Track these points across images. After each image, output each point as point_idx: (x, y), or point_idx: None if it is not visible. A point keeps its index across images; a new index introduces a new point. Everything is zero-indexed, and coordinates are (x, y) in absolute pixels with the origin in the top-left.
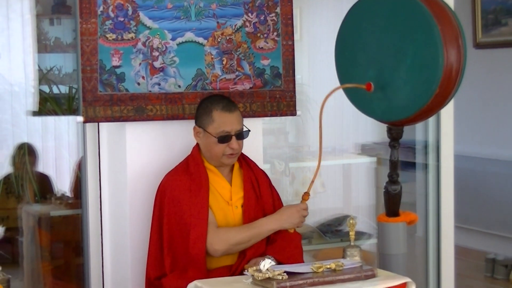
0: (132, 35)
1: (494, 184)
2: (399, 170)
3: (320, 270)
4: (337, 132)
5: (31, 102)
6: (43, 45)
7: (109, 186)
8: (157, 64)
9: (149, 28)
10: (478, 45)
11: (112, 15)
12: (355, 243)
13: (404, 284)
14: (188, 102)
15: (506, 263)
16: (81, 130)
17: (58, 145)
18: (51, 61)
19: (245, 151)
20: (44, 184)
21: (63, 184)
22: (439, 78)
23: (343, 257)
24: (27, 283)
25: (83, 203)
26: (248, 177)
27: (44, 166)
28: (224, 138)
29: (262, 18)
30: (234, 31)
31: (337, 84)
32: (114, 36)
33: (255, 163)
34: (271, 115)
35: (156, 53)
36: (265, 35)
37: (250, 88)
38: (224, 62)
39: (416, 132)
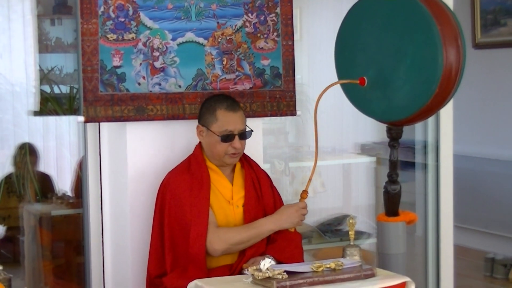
0: (133, 35)
1: (493, 183)
2: (398, 170)
3: (320, 269)
4: (337, 132)
5: (32, 102)
6: (44, 45)
7: (110, 185)
8: (157, 64)
9: (149, 28)
10: (477, 45)
11: (112, 15)
12: (354, 243)
13: (404, 283)
14: (188, 102)
15: (505, 262)
16: (82, 130)
17: (59, 144)
18: (52, 61)
19: (245, 150)
20: (45, 184)
21: (64, 184)
22: (438, 78)
23: (343, 256)
24: (28, 282)
25: (84, 202)
26: (249, 177)
27: (45, 165)
28: (227, 137)
29: (262, 18)
30: (234, 31)
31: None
32: (114, 37)
33: (257, 164)
34: (271, 115)
35: (156, 53)
36: (265, 35)
37: (250, 88)
38: (224, 62)
39: (416, 132)
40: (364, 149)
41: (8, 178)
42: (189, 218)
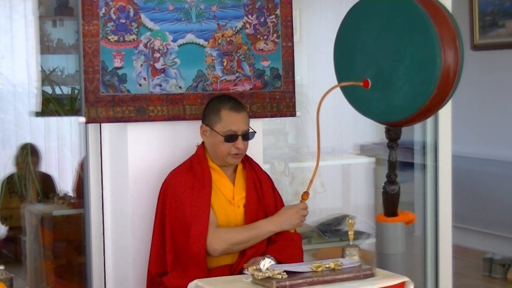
0: (134, 36)
1: (491, 184)
2: (397, 170)
3: (320, 269)
4: (336, 132)
5: (34, 103)
6: (45, 46)
7: (111, 186)
8: (158, 65)
9: (150, 29)
10: (476, 47)
11: (114, 17)
12: (354, 243)
13: (403, 283)
14: (189, 103)
15: (503, 262)
16: (83, 130)
17: (61, 145)
18: (53, 62)
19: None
20: (46, 184)
21: (65, 184)
22: (436, 79)
23: (342, 256)
24: (30, 282)
25: (85, 202)
26: (251, 178)
27: (47, 166)
28: (230, 137)
29: (262, 20)
30: (234, 32)
31: None
32: (116, 38)
33: (259, 165)
34: (271, 116)
35: (157, 55)
36: (265, 37)
37: (250, 89)
38: (224, 64)
39: (415, 133)
40: (363, 150)
41: (10, 178)
42: (190, 218)
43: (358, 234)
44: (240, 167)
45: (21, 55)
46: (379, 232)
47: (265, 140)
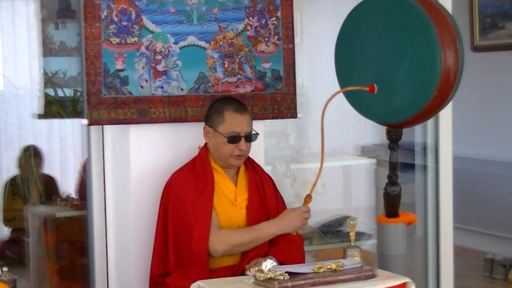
0: (136, 39)
1: (492, 185)
2: (398, 171)
3: (321, 270)
4: (338, 134)
5: (37, 105)
6: (48, 49)
7: (113, 187)
8: (160, 67)
9: (152, 32)
10: (476, 48)
11: (115, 19)
12: (355, 244)
13: (404, 284)
14: (190, 104)
15: (504, 263)
16: (85, 132)
17: (63, 147)
18: (56, 65)
19: None
20: (49, 186)
21: (68, 186)
22: (437, 80)
23: (344, 257)
24: (33, 283)
25: (88, 204)
26: (253, 179)
27: (50, 168)
28: (233, 139)
29: (263, 22)
30: (235, 35)
31: (337, 86)
32: (117, 40)
33: (261, 167)
34: (272, 118)
35: (159, 57)
36: (266, 39)
37: (252, 91)
38: (225, 66)
39: (415, 134)
40: (364, 151)
41: (13, 180)
42: (192, 218)
43: (359, 235)
44: (242, 168)
45: (24, 57)
46: (380, 233)
47: (267, 141)
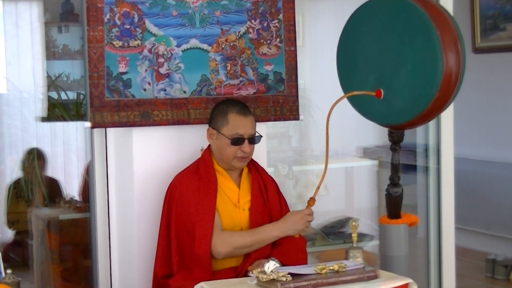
0: (138, 42)
1: (493, 185)
2: (400, 172)
3: (323, 271)
4: (340, 135)
5: (40, 108)
6: (51, 52)
7: (116, 190)
8: (162, 70)
9: (154, 35)
10: (477, 50)
11: (118, 22)
12: (357, 245)
13: (406, 284)
14: (193, 107)
15: (506, 263)
16: (89, 135)
17: (67, 150)
18: (59, 68)
19: None
20: (53, 188)
21: (71, 188)
22: (438, 82)
23: (346, 258)
24: (37, 285)
25: (91, 206)
26: (256, 181)
27: (53, 170)
28: (237, 141)
29: (265, 24)
30: (237, 37)
31: (339, 88)
32: (120, 43)
33: (264, 169)
34: (275, 120)
35: (161, 60)
36: (268, 41)
37: (254, 93)
38: (228, 68)
39: (417, 135)
40: (366, 153)
41: (17, 183)
42: (195, 220)
43: (362, 236)
44: (245, 170)
45: (27, 61)
46: (382, 234)
47: (269, 143)
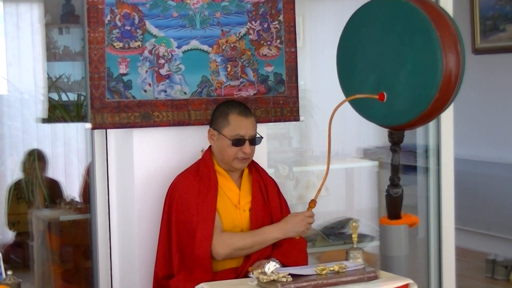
0: (139, 43)
1: (493, 186)
2: (400, 173)
3: (324, 272)
4: (340, 136)
5: (41, 109)
6: (52, 54)
7: (117, 191)
8: (163, 71)
9: (155, 36)
10: (477, 51)
11: (119, 24)
12: (357, 246)
13: (406, 285)
14: (193, 108)
15: (506, 264)
16: (89, 136)
17: (67, 151)
18: (60, 69)
19: None
20: (53, 189)
21: (72, 189)
22: (438, 83)
23: (346, 259)
24: (38, 287)
25: (91, 207)
26: (256, 182)
27: (54, 171)
28: (238, 142)
29: (265, 26)
30: (238, 38)
31: (339, 89)
32: (121, 45)
33: (265, 170)
34: (275, 121)
35: (162, 61)
36: (269, 43)
37: (254, 94)
38: (228, 69)
39: (417, 136)
40: (367, 154)
41: (17, 184)
42: (196, 221)
43: (362, 237)
44: (246, 171)
45: (28, 62)
46: (382, 235)
47: (269, 144)
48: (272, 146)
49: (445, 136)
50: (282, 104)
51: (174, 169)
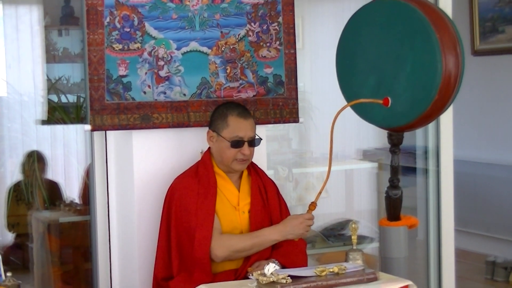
0: (138, 45)
1: (493, 188)
2: (400, 175)
3: (323, 273)
4: (340, 138)
5: (40, 111)
6: (51, 56)
7: (116, 192)
8: (162, 73)
9: (154, 38)
10: (476, 52)
11: (118, 25)
12: (357, 247)
13: (406, 286)
14: (193, 110)
15: (505, 265)
16: (89, 138)
17: (67, 152)
18: (59, 71)
19: None
20: (53, 191)
21: (71, 191)
22: (438, 85)
23: (346, 260)
24: None
25: (91, 209)
26: (256, 184)
27: (53, 173)
28: (237, 143)
29: (264, 27)
30: (237, 40)
31: (339, 92)
32: (120, 46)
33: (264, 172)
34: (274, 122)
35: (161, 63)
36: (268, 44)
37: (254, 96)
38: (228, 71)
39: (417, 138)
40: (366, 155)
41: (17, 186)
42: (195, 222)
43: (362, 239)
44: (245, 173)
45: (28, 64)
46: (382, 236)
47: (269, 146)
48: (272, 147)
49: (445, 137)
50: (282, 105)
51: (173, 171)
